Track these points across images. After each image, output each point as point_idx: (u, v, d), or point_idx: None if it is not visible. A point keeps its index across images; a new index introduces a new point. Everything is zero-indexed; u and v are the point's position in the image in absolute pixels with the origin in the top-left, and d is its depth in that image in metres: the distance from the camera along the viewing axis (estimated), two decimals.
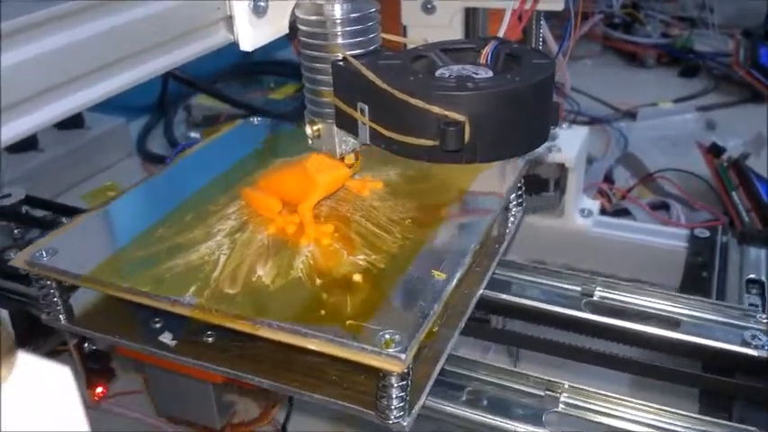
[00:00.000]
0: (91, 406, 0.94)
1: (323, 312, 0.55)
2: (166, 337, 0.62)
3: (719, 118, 1.73)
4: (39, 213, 1.02)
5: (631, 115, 1.75)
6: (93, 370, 0.83)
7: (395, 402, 0.53)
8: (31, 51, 0.46)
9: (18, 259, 0.62)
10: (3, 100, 0.45)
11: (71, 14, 0.48)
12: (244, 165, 0.77)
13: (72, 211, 1.00)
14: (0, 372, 0.27)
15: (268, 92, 1.81)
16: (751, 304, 0.86)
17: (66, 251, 0.62)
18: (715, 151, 1.37)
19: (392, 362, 0.50)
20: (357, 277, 0.59)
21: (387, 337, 0.51)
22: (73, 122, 1.56)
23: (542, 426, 0.61)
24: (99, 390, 0.84)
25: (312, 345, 0.53)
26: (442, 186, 0.71)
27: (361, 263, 0.60)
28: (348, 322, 0.53)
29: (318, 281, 0.59)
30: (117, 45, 0.51)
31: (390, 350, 0.50)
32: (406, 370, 0.51)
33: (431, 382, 0.57)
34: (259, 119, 0.86)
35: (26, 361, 0.28)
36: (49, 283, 0.63)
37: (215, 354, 0.61)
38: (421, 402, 0.56)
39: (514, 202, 0.75)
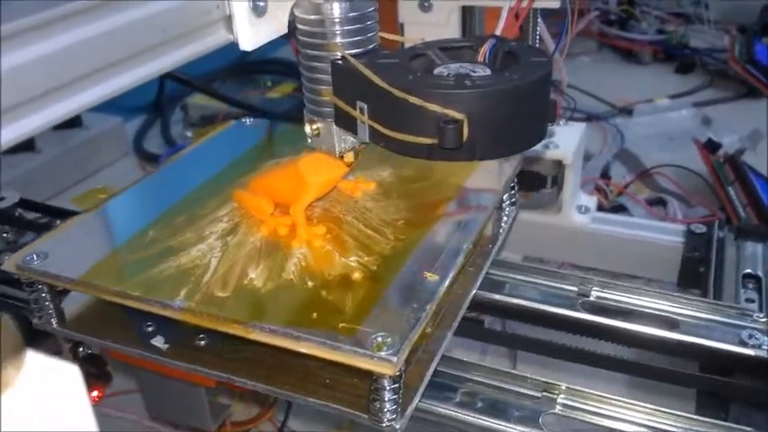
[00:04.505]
0: None
1: (315, 315, 0.54)
2: (158, 341, 0.62)
3: (715, 114, 1.73)
4: (32, 216, 1.02)
5: (628, 111, 1.75)
6: (89, 373, 0.83)
7: (387, 405, 0.53)
8: (30, 54, 0.46)
9: (9, 263, 0.62)
10: (2, 103, 0.44)
11: (69, 16, 0.48)
12: (236, 166, 0.77)
13: (66, 215, 0.99)
14: (9, 373, 0.27)
15: (265, 90, 1.81)
16: (747, 299, 0.86)
17: (57, 255, 0.62)
18: (711, 147, 1.36)
19: (384, 364, 0.50)
20: (349, 279, 0.59)
21: (379, 339, 0.51)
22: (70, 122, 1.55)
23: (539, 428, 0.61)
24: (95, 393, 0.84)
25: (304, 348, 0.52)
26: (435, 186, 0.71)
27: (353, 265, 0.60)
28: (341, 325, 0.53)
29: (310, 283, 0.58)
30: (116, 47, 0.51)
31: (382, 353, 0.50)
32: (398, 372, 0.51)
33: (424, 384, 0.57)
34: (251, 120, 0.86)
35: (35, 360, 0.28)
36: (40, 287, 0.62)
37: (208, 357, 0.60)
38: (414, 404, 0.55)
39: (507, 201, 0.75)
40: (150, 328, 0.63)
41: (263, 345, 0.54)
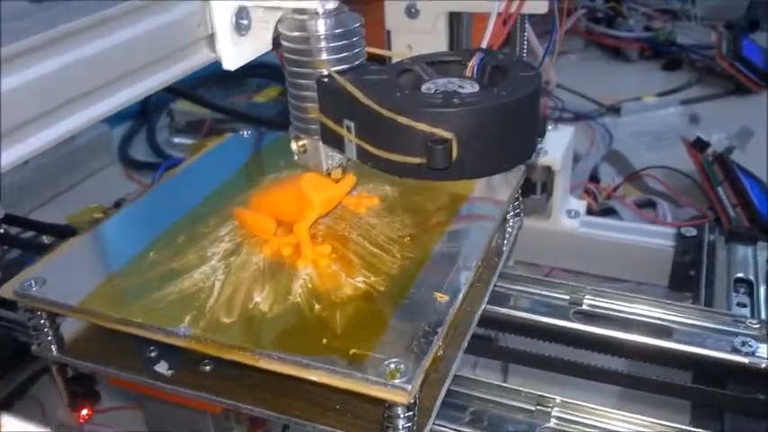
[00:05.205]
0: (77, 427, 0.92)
1: (324, 341, 0.53)
2: (162, 367, 0.60)
3: (703, 111, 1.73)
4: (16, 231, 1.00)
5: (615, 110, 1.74)
6: (78, 393, 0.81)
7: None
8: (13, 82, 0.44)
9: (6, 289, 0.60)
10: None
11: (52, 42, 0.46)
12: (235, 181, 0.75)
13: (52, 229, 0.98)
14: None
15: (251, 95, 1.79)
16: (739, 304, 0.85)
17: (56, 280, 0.60)
18: (699, 146, 1.36)
19: (398, 393, 0.49)
20: (357, 301, 0.57)
21: (391, 366, 0.50)
22: None
23: None
24: (84, 412, 0.82)
25: (314, 376, 0.51)
26: (440, 200, 0.70)
27: (360, 285, 0.59)
28: (351, 351, 0.52)
29: (317, 306, 0.57)
30: (100, 70, 0.50)
31: (396, 381, 0.49)
32: (412, 400, 0.50)
33: (437, 407, 0.56)
34: (249, 132, 0.84)
35: (10, 425, 0.27)
36: (39, 313, 0.61)
37: (213, 383, 0.59)
38: (428, 429, 0.54)
39: (512, 213, 0.74)
40: (153, 354, 0.61)
41: (270, 370, 0.53)
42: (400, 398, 0.49)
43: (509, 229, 0.74)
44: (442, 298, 0.57)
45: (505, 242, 0.73)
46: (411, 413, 0.51)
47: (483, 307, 0.66)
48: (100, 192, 1.51)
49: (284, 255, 0.63)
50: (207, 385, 0.59)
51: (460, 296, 0.57)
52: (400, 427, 0.52)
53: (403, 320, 0.55)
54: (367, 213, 0.68)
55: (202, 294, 0.58)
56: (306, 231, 0.63)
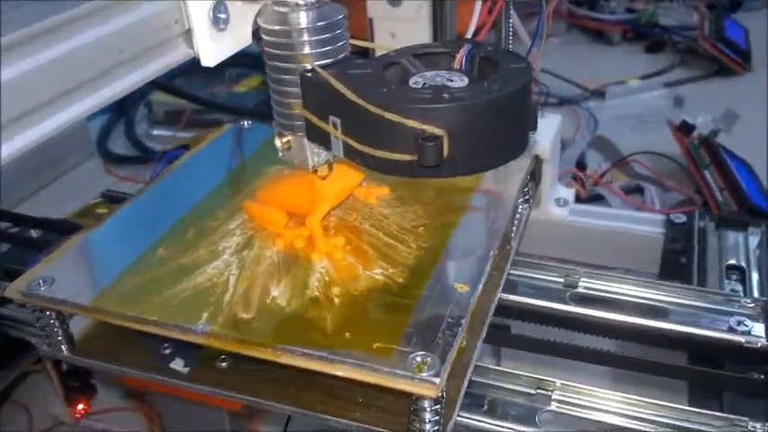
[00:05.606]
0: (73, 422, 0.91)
1: (347, 335, 0.52)
2: (178, 364, 0.59)
3: (687, 93, 1.73)
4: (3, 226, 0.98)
5: (600, 94, 1.74)
6: (73, 387, 0.80)
7: (428, 426, 0.51)
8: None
9: (12, 290, 0.58)
10: None
11: (30, 39, 0.45)
12: (240, 174, 0.74)
13: (43, 224, 0.96)
14: None
15: (231, 84, 1.77)
16: (732, 290, 0.85)
17: (64, 278, 0.59)
18: (685, 129, 1.36)
19: (426, 386, 0.48)
20: (376, 293, 0.57)
21: (418, 359, 0.49)
22: None
23: (536, 425, 0.60)
24: (80, 407, 0.81)
25: (341, 371, 0.50)
26: (450, 188, 0.69)
27: (378, 277, 0.58)
28: (375, 345, 0.51)
29: (337, 300, 0.56)
30: (75, 69, 0.48)
31: (423, 374, 0.48)
32: (440, 393, 0.49)
33: (461, 397, 0.55)
34: (249, 122, 0.83)
35: None
36: (48, 313, 0.59)
37: (232, 380, 0.58)
38: (453, 419, 0.54)
39: (521, 199, 0.73)
40: (167, 351, 0.60)
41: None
42: (429, 391, 0.48)
43: (518, 216, 0.73)
44: (462, 288, 0.56)
45: (515, 229, 0.73)
46: (438, 406, 0.51)
47: (498, 295, 0.65)
48: (80, 187, 1.48)
49: (297, 248, 0.62)
50: (226, 382, 0.58)
51: (480, 285, 0.57)
52: (427, 420, 0.51)
53: (425, 312, 0.54)
54: (378, 204, 0.67)
55: (217, 290, 0.57)
56: (319, 223, 0.62)
